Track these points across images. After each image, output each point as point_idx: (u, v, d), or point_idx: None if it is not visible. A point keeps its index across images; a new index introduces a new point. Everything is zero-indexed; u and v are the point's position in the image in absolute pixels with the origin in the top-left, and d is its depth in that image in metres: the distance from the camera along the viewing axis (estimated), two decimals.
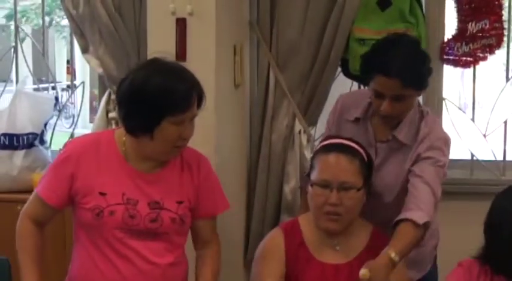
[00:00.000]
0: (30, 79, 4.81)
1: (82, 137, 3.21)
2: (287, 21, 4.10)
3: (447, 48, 4.23)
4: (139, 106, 2.81)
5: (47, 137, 4.51)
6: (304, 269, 3.05)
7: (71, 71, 6.11)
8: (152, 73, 2.84)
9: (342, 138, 3.15)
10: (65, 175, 2.92)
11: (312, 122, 4.16)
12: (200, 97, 2.90)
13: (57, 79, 5.01)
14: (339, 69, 4.19)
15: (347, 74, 4.19)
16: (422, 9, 4.10)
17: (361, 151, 3.06)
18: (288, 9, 4.09)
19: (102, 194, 2.89)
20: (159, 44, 3.79)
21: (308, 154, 4.09)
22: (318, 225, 3.04)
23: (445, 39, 4.25)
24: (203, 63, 3.73)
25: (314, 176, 3.02)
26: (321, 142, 3.24)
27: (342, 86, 4.27)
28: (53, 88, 4.89)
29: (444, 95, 4.35)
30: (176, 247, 3.00)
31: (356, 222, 3.07)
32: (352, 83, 4.28)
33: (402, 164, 3.25)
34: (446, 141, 3.26)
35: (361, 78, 4.15)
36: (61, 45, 9.35)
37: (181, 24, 3.73)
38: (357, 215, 3.05)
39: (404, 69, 3.03)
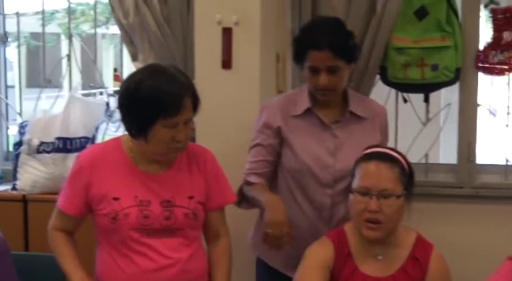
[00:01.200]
0: (80, 85, 4.88)
1: (91, 147, 3.26)
2: None
3: (482, 56, 4.19)
4: (133, 109, 2.85)
5: (98, 141, 4.53)
6: None
7: (117, 77, 6.21)
8: (145, 78, 2.85)
9: (383, 147, 3.16)
10: (80, 185, 2.98)
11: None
12: (195, 101, 2.90)
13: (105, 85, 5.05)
14: (378, 76, 4.19)
15: (385, 81, 4.20)
16: (458, 19, 4.09)
17: (400, 159, 3.02)
18: None
19: (115, 199, 2.93)
20: (206, 52, 3.85)
21: None
22: (359, 233, 2.99)
23: (481, 48, 4.21)
24: (248, 70, 3.80)
25: (355, 183, 2.99)
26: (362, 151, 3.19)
27: (380, 92, 4.28)
28: (101, 93, 4.95)
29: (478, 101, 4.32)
30: (192, 240, 3.03)
31: (399, 231, 3.02)
32: (390, 90, 4.29)
33: (363, 140, 3.31)
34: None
35: (399, 86, 4.23)
36: (108, 54, 9.45)
37: (227, 34, 3.79)
38: (398, 223, 3.00)
39: (333, 41, 3.23)
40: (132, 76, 2.94)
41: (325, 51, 3.23)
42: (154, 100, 2.79)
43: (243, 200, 3.38)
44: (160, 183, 2.96)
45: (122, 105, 2.90)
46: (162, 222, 2.93)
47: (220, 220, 3.14)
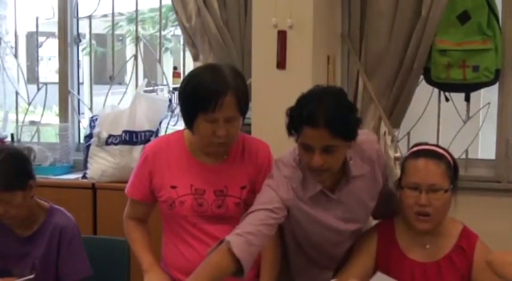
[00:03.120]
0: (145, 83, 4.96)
1: (157, 139, 3.26)
2: (375, 33, 4.14)
3: None
4: (182, 103, 2.88)
5: (161, 134, 4.56)
6: (395, 266, 3.00)
7: (177, 74, 6.27)
8: (195, 74, 2.89)
9: (429, 144, 3.09)
10: (145, 173, 3.02)
11: (396, 124, 4.18)
12: (240, 101, 2.82)
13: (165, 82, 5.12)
14: (422, 76, 4.21)
15: (429, 81, 4.22)
16: (499, 23, 4.09)
17: (446, 154, 2.99)
18: (376, 23, 4.13)
19: (173, 187, 2.96)
20: (262, 53, 3.87)
21: (392, 153, 4.11)
22: (410, 225, 2.98)
23: None
24: (301, 71, 3.81)
25: (405, 179, 2.96)
26: (409, 149, 3.13)
27: (424, 91, 4.32)
28: (161, 90, 4.99)
29: None
30: None
31: (446, 222, 3.01)
32: (433, 89, 4.30)
33: (368, 196, 3.07)
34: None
35: (441, 86, 4.24)
36: (167, 54, 9.53)
37: (282, 36, 3.80)
38: (445, 215, 2.98)
39: (331, 118, 2.71)
40: (190, 72, 2.98)
41: (321, 130, 2.70)
42: (194, 95, 2.81)
43: None
44: (216, 173, 2.98)
45: (178, 96, 2.94)
46: (214, 210, 2.96)
47: None
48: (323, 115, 2.71)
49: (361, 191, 3.04)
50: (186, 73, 3.12)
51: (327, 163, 2.79)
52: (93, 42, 7.97)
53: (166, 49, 9.28)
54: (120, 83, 5.42)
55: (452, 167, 2.98)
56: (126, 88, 4.95)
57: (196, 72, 2.92)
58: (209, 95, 2.77)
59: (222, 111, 2.79)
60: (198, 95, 2.79)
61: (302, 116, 2.75)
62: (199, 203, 2.95)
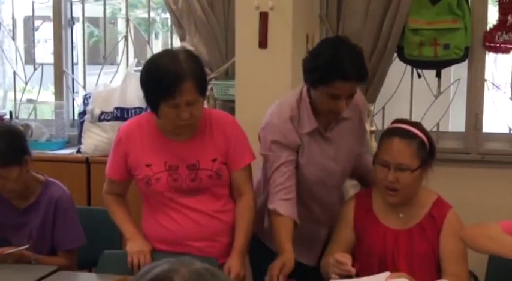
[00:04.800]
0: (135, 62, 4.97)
1: (129, 121, 3.24)
2: (351, 14, 4.15)
3: (489, 36, 4.20)
4: (144, 89, 2.87)
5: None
6: (369, 232, 3.04)
7: None
8: (152, 62, 2.87)
9: (406, 123, 3.06)
10: (120, 154, 3.03)
11: (372, 99, 4.19)
12: (199, 84, 2.81)
13: None
14: (395, 54, 4.22)
15: (402, 59, 4.23)
16: (468, 3, 4.10)
17: (420, 134, 2.97)
18: (352, 4, 4.14)
19: (148, 165, 2.97)
20: (245, 34, 3.89)
21: (368, 127, 4.06)
22: (382, 197, 3.03)
23: (488, 29, 4.22)
24: (281, 50, 3.83)
25: (378, 156, 3.00)
26: (390, 125, 3.14)
27: (397, 69, 4.33)
28: None
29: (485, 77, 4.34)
30: (220, 197, 3.04)
31: (420, 193, 3.03)
32: (406, 67, 4.31)
33: (354, 140, 3.23)
34: None
35: (414, 63, 4.24)
36: (158, 35, 9.51)
37: (263, 18, 3.81)
38: (416, 190, 2.99)
39: (359, 73, 2.94)
40: (148, 59, 2.97)
41: (351, 82, 2.92)
42: (154, 83, 2.80)
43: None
44: (187, 149, 2.97)
45: (141, 86, 2.92)
46: (189, 184, 2.97)
47: (243, 178, 3.07)
48: (353, 70, 2.90)
49: (349, 132, 3.18)
50: None
51: (347, 106, 3.00)
52: (89, 24, 7.96)
53: (157, 31, 9.24)
54: (112, 64, 5.40)
55: (426, 147, 2.97)
56: (117, 68, 4.96)
57: (153, 60, 2.89)
58: (167, 82, 2.75)
59: (182, 96, 2.77)
60: (157, 83, 2.78)
61: (336, 71, 2.91)
62: (174, 178, 2.95)
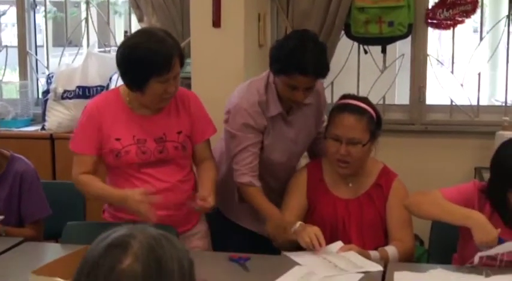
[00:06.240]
0: (96, 43, 4.96)
1: (96, 97, 3.21)
2: None
3: (431, 13, 4.26)
4: (130, 69, 2.83)
5: (111, 88, 4.37)
6: (320, 201, 3.06)
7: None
8: (140, 41, 2.83)
9: (354, 98, 3.07)
10: (93, 128, 2.95)
11: None
12: (181, 58, 2.87)
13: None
14: (343, 32, 4.27)
15: (349, 36, 4.28)
16: None
17: (369, 109, 2.99)
18: None
19: (117, 139, 2.94)
20: (199, 13, 3.87)
21: None
22: (334, 169, 3.05)
23: (429, 6, 4.27)
24: (234, 28, 3.83)
25: (329, 130, 3.01)
26: (338, 100, 3.14)
27: (345, 45, 4.37)
28: (114, 51, 4.98)
29: (428, 52, 4.40)
30: (183, 167, 3.05)
31: (367, 163, 3.05)
32: (353, 43, 4.35)
33: (313, 122, 3.25)
34: None
35: (360, 40, 4.30)
36: (120, 18, 9.43)
37: None
38: (365, 161, 3.02)
39: (318, 68, 2.95)
40: (127, 40, 2.93)
41: (310, 76, 2.94)
42: (149, 61, 2.78)
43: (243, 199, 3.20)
44: (154, 123, 2.98)
45: (120, 65, 2.89)
46: (157, 155, 2.97)
47: (206, 149, 3.13)
48: (313, 65, 2.92)
49: (309, 117, 3.21)
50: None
51: (306, 97, 3.03)
52: (54, 8, 7.89)
53: (119, 13, 9.17)
54: (76, 45, 5.36)
55: (374, 120, 2.99)
56: (78, 49, 4.94)
57: (137, 41, 2.86)
58: (162, 59, 2.78)
59: (172, 71, 2.82)
60: (152, 62, 2.77)
61: (296, 65, 2.92)
62: (143, 151, 2.95)
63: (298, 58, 2.92)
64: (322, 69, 2.99)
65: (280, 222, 2.97)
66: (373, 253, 2.87)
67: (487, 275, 2.60)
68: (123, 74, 2.90)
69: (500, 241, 2.59)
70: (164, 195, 2.96)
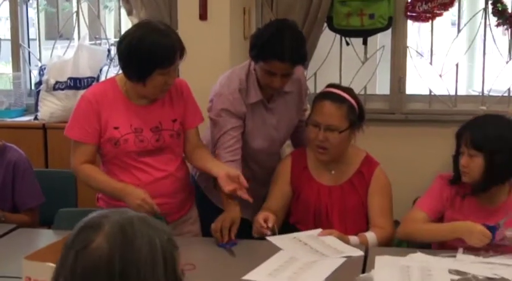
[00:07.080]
0: (87, 36, 4.95)
1: (93, 86, 3.19)
2: None
3: (410, 6, 4.26)
4: (135, 61, 2.81)
5: (102, 80, 4.47)
6: (304, 188, 3.08)
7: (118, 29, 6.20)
8: (144, 34, 2.82)
9: (338, 88, 3.09)
10: (92, 115, 2.91)
11: (304, 66, 4.13)
12: (182, 50, 2.87)
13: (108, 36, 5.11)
14: (325, 24, 4.27)
15: (331, 28, 4.29)
16: None
17: (349, 98, 3.00)
18: None
19: (115, 128, 2.92)
20: (186, 7, 3.90)
21: None
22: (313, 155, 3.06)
23: (409, 0, 4.28)
24: (220, 21, 3.86)
25: (310, 117, 3.03)
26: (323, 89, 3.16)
27: (327, 37, 4.37)
28: (105, 44, 5.00)
29: (408, 44, 4.41)
30: (177, 155, 3.06)
31: (350, 151, 3.07)
32: (335, 35, 4.36)
33: (294, 110, 3.28)
34: None
35: (342, 32, 4.31)
36: (111, 12, 9.42)
37: None
38: (344, 148, 3.03)
39: (295, 54, 2.98)
40: (131, 33, 2.88)
41: (286, 62, 2.97)
42: (155, 54, 2.78)
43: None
44: (150, 113, 2.97)
45: (124, 58, 2.86)
46: (154, 144, 2.96)
47: (196, 135, 3.11)
48: (290, 52, 2.95)
49: (290, 104, 3.24)
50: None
51: (283, 83, 3.06)
52: (45, 2, 7.87)
53: (110, 8, 9.16)
54: (67, 38, 5.36)
55: (355, 110, 3.00)
56: (69, 42, 4.93)
57: (142, 34, 2.84)
58: (168, 52, 2.80)
59: (175, 63, 2.85)
60: (157, 54, 2.78)
61: (273, 51, 2.96)
62: (140, 139, 2.94)
63: (275, 44, 2.96)
64: (299, 56, 3.02)
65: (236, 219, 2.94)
66: (353, 238, 2.90)
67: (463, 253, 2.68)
68: (126, 66, 2.87)
69: (492, 229, 2.63)
70: (161, 183, 2.98)
